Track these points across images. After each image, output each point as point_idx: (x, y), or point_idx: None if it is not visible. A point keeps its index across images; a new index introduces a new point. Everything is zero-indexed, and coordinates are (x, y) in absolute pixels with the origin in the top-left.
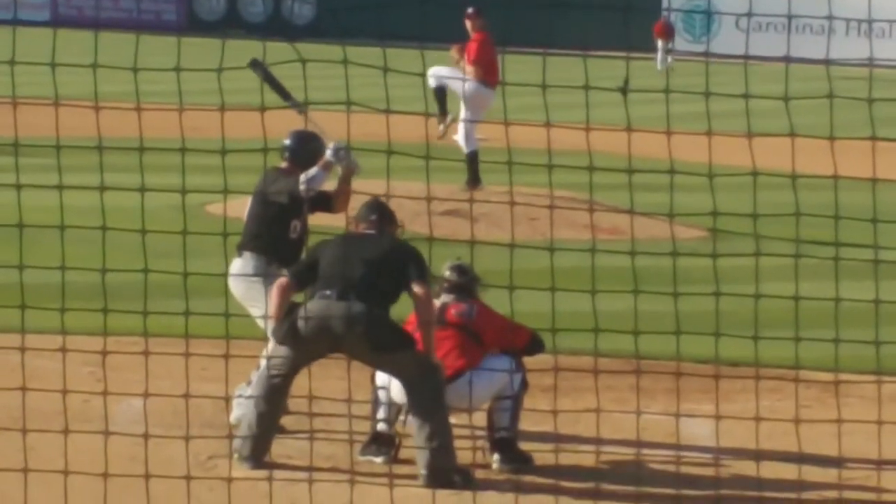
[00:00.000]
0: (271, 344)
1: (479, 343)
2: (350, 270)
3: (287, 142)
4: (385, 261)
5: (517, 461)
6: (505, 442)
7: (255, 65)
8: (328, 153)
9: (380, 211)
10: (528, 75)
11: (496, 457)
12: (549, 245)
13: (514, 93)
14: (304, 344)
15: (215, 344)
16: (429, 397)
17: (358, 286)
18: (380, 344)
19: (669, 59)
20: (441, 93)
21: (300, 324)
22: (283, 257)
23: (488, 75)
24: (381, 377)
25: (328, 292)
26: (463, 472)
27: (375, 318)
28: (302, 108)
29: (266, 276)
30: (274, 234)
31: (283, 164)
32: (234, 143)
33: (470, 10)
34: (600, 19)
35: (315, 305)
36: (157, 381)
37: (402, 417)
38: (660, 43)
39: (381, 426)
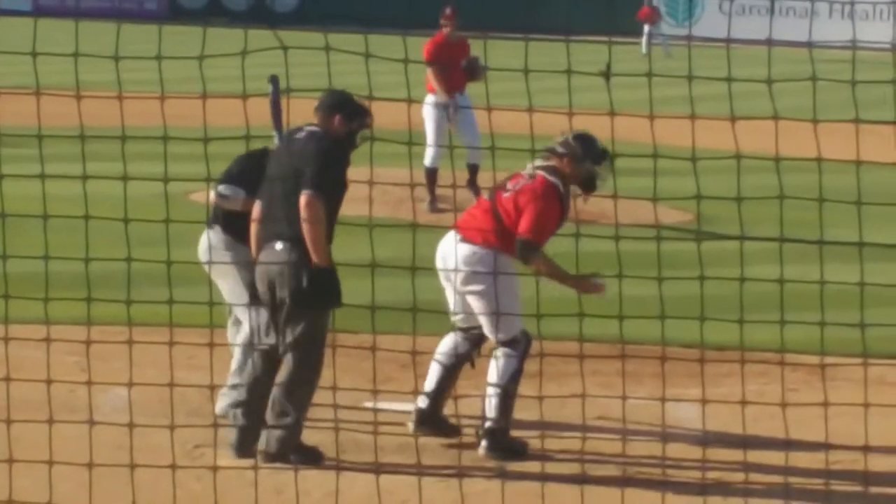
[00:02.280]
0: (244, 325)
1: (502, 224)
2: (273, 198)
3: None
4: (293, 176)
5: (504, 451)
6: (491, 432)
7: (273, 81)
8: None
9: (325, 99)
10: (511, 60)
11: (483, 443)
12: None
13: (496, 78)
14: (266, 303)
15: (201, 333)
16: (302, 370)
17: (280, 218)
18: (296, 297)
19: (663, 42)
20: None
21: (256, 279)
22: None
23: None
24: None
25: (263, 232)
26: (307, 452)
27: (294, 263)
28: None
29: (234, 251)
30: (238, 214)
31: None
32: (216, 130)
33: (449, 11)
34: (583, 2)
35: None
36: (143, 370)
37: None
38: (646, 28)
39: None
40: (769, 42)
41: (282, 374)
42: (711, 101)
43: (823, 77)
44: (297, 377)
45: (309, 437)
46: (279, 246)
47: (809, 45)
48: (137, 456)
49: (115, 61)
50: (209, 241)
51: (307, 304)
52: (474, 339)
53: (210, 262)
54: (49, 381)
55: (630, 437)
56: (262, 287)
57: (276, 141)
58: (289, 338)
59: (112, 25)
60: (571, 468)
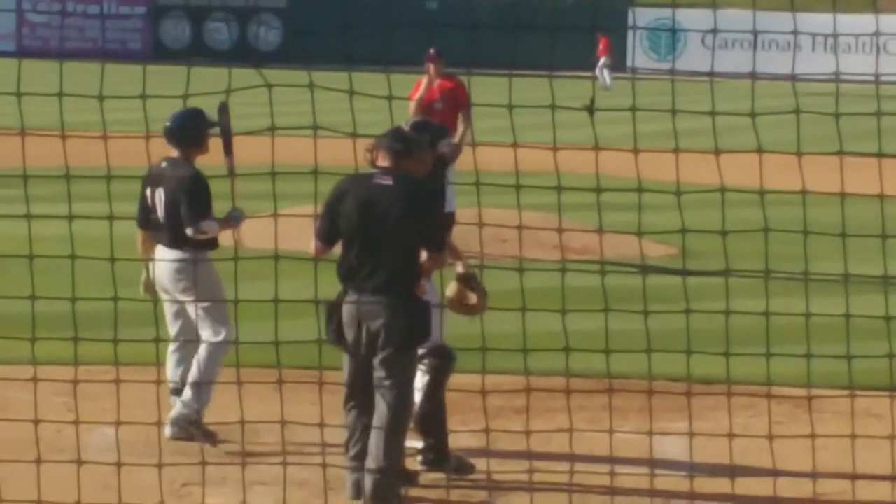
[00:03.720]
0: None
1: None
2: (372, 247)
3: (168, 124)
4: (404, 223)
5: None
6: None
7: (223, 109)
8: (233, 214)
9: (395, 142)
10: (495, 97)
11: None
12: (519, 266)
13: (481, 114)
14: (352, 348)
15: None
16: (398, 413)
17: (381, 269)
18: (398, 342)
19: (608, 75)
20: None
21: (344, 324)
22: (203, 242)
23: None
24: None
25: (357, 282)
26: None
27: (402, 311)
28: (232, 170)
29: (196, 263)
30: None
31: (174, 154)
32: (202, 169)
33: (433, 52)
34: (565, 39)
35: (350, 301)
36: (129, 410)
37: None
38: (602, 59)
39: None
40: (752, 76)
41: (382, 419)
42: (695, 135)
43: (807, 110)
44: (397, 422)
45: (296, 474)
46: (380, 297)
47: (793, 77)
48: (125, 495)
49: (99, 101)
50: (193, 273)
51: (407, 344)
52: (427, 367)
53: (202, 300)
54: (36, 422)
55: (617, 471)
56: (351, 332)
57: (227, 165)
58: (388, 382)
59: (96, 66)
60: (560, 502)
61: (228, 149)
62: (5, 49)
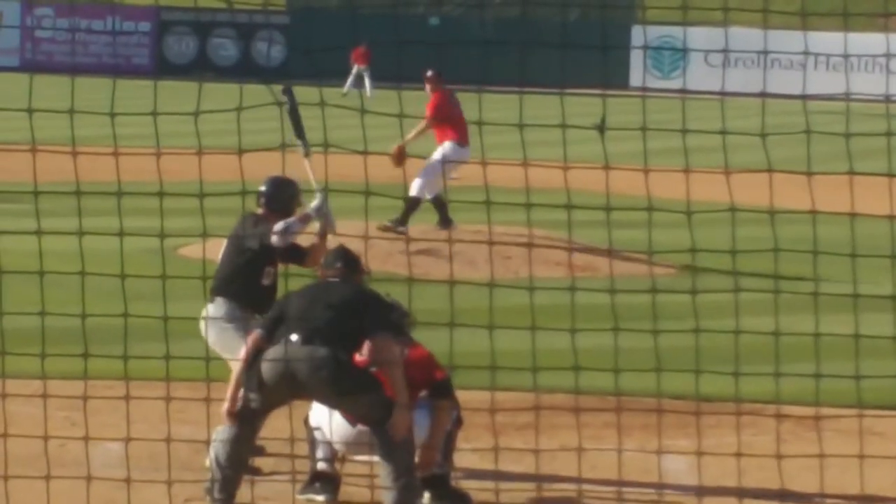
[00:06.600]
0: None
1: (412, 384)
2: (314, 316)
3: (262, 188)
4: (348, 307)
5: (451, 499)
6: (438, 479)
7: (288, 93)
8: (312, 205)
9: (345, 259)
10: (505, 113)
11: (427, 495)
12: (529, 283)
13: (491, 131)
14: (269, 389)
15: (192, 386)
16: (394, 438)
17: (321, 331)
18: (344, 388)
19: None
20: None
21: (265, 368)
22: (255, 303)
23: (460, 135)
24: (315, 418)
25: (292, 338)
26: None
27: (339, 362)
28: (308, 151)
29: (238, 321)
30: (246, 280)
31: (259, 210)
32: (208, 185)
33: (429, 74)
34: (569, 56)
35: (279, 351)
36: (132, 425)
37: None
38: (354, 68)
39: (321, 465)
40: (762, 94)
41: (380, 448)
42: (701, 153)
43: (816, 129)
44: (396, 444)
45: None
46: (322, 352)
47: (804, 97)
48: None
49: (110, 117)
50: (208, 314)
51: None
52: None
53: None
54: (46, 438)
55: (623, 489)
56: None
57: (301, 150)
58: (365, 420)
59: (102, 81)
60: None
61: (300, 132)
62: (9, 64)
